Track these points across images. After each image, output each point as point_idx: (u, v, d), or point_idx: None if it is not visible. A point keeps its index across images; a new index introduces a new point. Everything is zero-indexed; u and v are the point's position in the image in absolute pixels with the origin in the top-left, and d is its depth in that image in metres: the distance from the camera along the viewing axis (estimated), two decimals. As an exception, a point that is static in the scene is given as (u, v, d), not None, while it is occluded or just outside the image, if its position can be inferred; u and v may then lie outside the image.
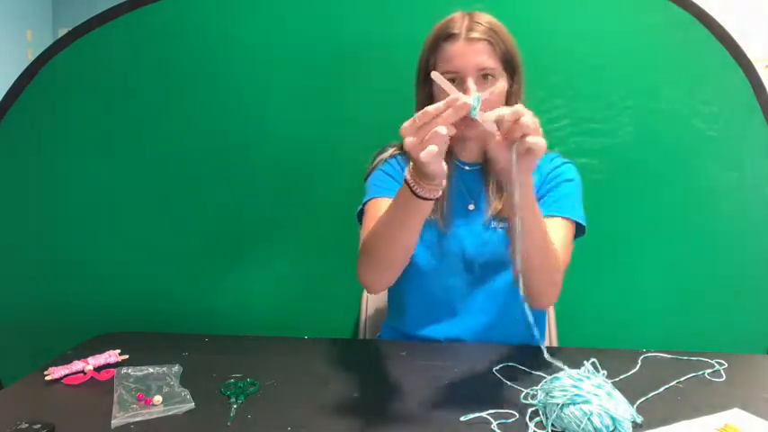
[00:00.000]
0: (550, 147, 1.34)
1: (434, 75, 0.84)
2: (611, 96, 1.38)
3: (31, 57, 4.09)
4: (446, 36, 1.04)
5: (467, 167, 1.15)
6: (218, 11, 1.42)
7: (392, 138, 1.22)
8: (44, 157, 1.46)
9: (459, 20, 1.05)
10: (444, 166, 0.84)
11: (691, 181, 1.39)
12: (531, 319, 0.85)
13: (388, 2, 1.40)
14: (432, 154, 0.79)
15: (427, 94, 1.10)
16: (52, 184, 1.47)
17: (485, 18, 1.05)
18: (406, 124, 0.81)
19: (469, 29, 1.03)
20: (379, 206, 1.07)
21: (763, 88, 1.35)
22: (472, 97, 0.80)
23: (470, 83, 1.02)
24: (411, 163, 0.87)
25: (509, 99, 1.08)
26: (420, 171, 0.85)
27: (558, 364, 0.82)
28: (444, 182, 0.87)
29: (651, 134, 1.38)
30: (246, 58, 1.43)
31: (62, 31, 4.31)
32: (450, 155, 1.13)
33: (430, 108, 0.79)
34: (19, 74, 1.44)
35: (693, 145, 1.38)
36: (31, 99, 1.44)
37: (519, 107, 0.82)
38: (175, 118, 1.45)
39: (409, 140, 0.80)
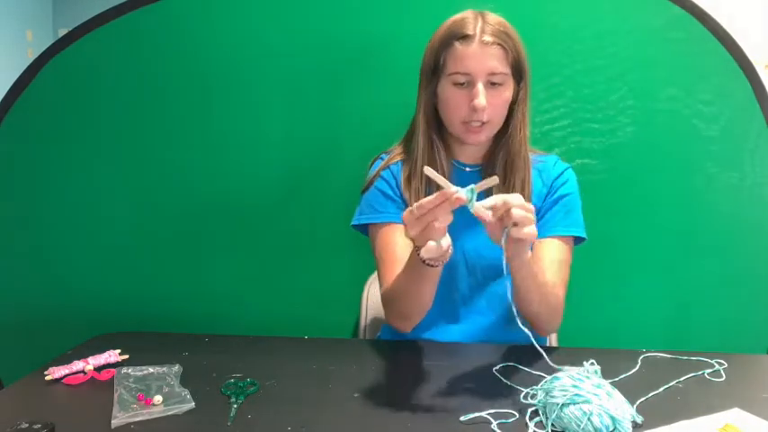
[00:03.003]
0: (550, 147, 1.37)
1: (427, 170, 0.84)
2: (611, 96, 1.38)
3: (31, 57, 4.09)
4: (460, 36, 1.03)
5: (467, 169, 1.15)
6: (219, 11, 1.42)
7: (393, 138, 1.22)
8: (44, 157, 1.46)
9: (472, 20, 1.04)
10: (446, 241, 0.87)
11: (691, 181, 1.39)
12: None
13: (388, 3, 1.40)
14: (431, 251, 0.85)
15: (432, 92, 1.09)
16: (52, 184, 1.47)
17: (497, 20, 1.05)
18: (405, 214, 0.85)
19: (483, 31, 1.02)
20: (386, 238, 1.12)
21: (763, 88, 1.35)
22: (466, 190, 0.81)
23: (480, 87, 1.02)
24: None
25: (514, 105, 1.08)
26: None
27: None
28: (450, 252, 0.91)
29: (651, 134, 1.38)
30: (246, 58, 1.43)
31: (62, 31, 4.31)
32: (448, 154, 1.14)
33: (425, 201, 0.81)
34: (19, 74, 1.44)
35: (693, 145, 1.38)
36: (32, 99, 1.44)
37: (510, 198, 0.84)
38: (175, 118, 1.45)
39: (411, 232, 0.85)
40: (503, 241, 0.86)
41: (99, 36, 1.43)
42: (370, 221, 1.15)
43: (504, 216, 0.84)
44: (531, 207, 0.86)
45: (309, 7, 1.41)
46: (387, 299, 1.10)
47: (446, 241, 0.88)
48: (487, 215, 0.84)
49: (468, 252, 1.12)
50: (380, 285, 1.14)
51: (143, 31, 1.43)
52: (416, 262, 0.94)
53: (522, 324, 0.88)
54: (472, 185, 0.82)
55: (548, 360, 0.88)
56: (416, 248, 0.92)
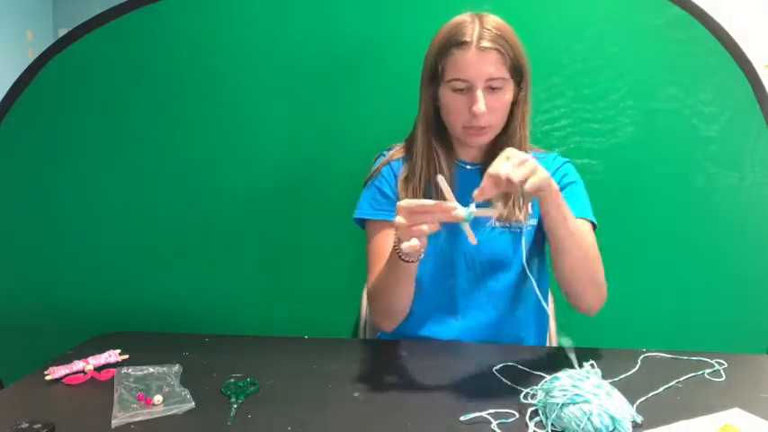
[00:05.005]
0: (550, 147, 1.37)
1: (439, 179, 0.88)
2: (611, 96, 1.38)
3: (31, 57, 4.09)
4: (457, 43, 1.03)
5: (468, 166, 1.16)
6: (219, 11, 1.42)
7: (393, 138, 1.22)
8: (44, 157, 1.46)
9: (469, 25, 1.04)
10: (415, 243, 0.88)
11: (691, 181, 1.39)
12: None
13: (387, 4, 1.40)
14: (413, 248, 0.86)
15: (433, 94, 1.10)
16: (52, 184, 1.47)
17: (495, 23, 1.04)
18: (402, 203, 0.87)
19: (480, 37, 1.02)
20: (380, 237, 1.13)
21: (763, 88, 1.35)
22: (466, 211, 0.85)
23: (478, 93, 1.02)
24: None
25: (514, 106, 1.09)
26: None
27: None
28: (423, 251, 0.94)
29: (651, 134, 1.38)
30: (246, 59, 1.43)
31: (62, 31, 4.31)
32: (451, 154, 1.14)
33: (427, 203, 0.85)
34: (19, 74, 1.44)
35: (693, 145, 1.38)
36: (32, 99, 1.44)
37: (506, 171, 0.84)
38: (174, 118, 1.45)
39: (400, 220, 0.86)
40: (530, 207, 0.91)
41: (99, 36, 1.43)
42: (367, 218, 1.16)
43: (510, 188, 0.86)
44: (526, 157, 0.86)
45: (309, 8, 1.41)
46: (370, 296, 1.13)
47: (424, 240, 0.90)
48: (473, 240, 0.87)
49: (466, 246, 1.12)
50: (367, 282, 1.15)
51: (143, 32, 1.43)
52: (394, 257, 0.97)
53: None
54: (472, 210, 0.85)
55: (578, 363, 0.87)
56: (395, 247, 0.95)
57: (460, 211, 0.84)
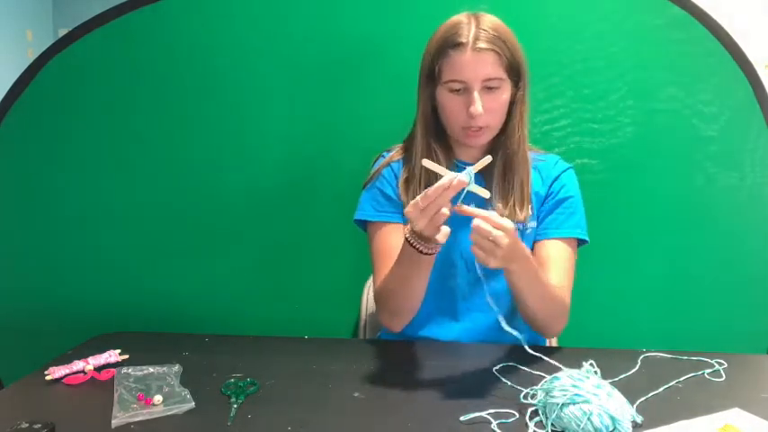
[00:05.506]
0: (550, 147, 1.37)
1: (425, 162, 0.91)
2: (611, 96, 1.38)
3: (31, 57, 4.09)
4: (453, 44, 1.03)
5: (467, 167, 1.15)
6: (219, 11, 1.42)
7: (393, 138, 1.22)
8: (44, 157, 1.46)
9: (465, 26, 1.03)
10: (446, 229, 0.90)
11: (691, 181, 1.39)
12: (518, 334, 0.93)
13: (387, 4, 1.40)
14: (446, 235, 0.89)
15: (430, 95, 1.10)
16: (52, 184, 1.47)
17: (491, 23, 1.04)
18: (409, 208, 0.89)
19: (476, 38, 1.02)
20: (384, 238, 1.13)
21: (763, 88, 1.35)
22: (464, 173, 0.87)
23: (475, 95, 1.02)
24: (409, 226, 0.94)
25: (512, 105, 1.08)
26: (423, 236, 0.92)
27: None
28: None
29: (651, 134, 1.38)
30: (246, 59, 1.43)
31: (62, 31, 4.31)
32: (450, 155, 1.14)
33: (430, 191, 0.86)
34: (19, 74, 1.44)
35: (693, 145, 1.38)
36: (32, 99, 1.44)
37: (483, 219, 0.88)
38: (174, 118, 1.45)
39: (419, 225, 0.88)
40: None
41: (99, 36, 1.43)
42: (370, 219, 1.16)
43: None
44: (496, 237, 0.87)
45: (309, 8, 1.41)
46: (379, 296, 1.12)
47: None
48: (485, 193, 0.89)
49: (466, 248, 1.12)
50: (374, 283, 1.15)
51: (143, 32, 1.43)
52: (410, 254, 0.96)
53: (513, 326, 0.92)
54: (469, 168, 0.88)
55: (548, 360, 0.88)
56: (409, 242, 0.95)
57: (462, 177, 0.87)
